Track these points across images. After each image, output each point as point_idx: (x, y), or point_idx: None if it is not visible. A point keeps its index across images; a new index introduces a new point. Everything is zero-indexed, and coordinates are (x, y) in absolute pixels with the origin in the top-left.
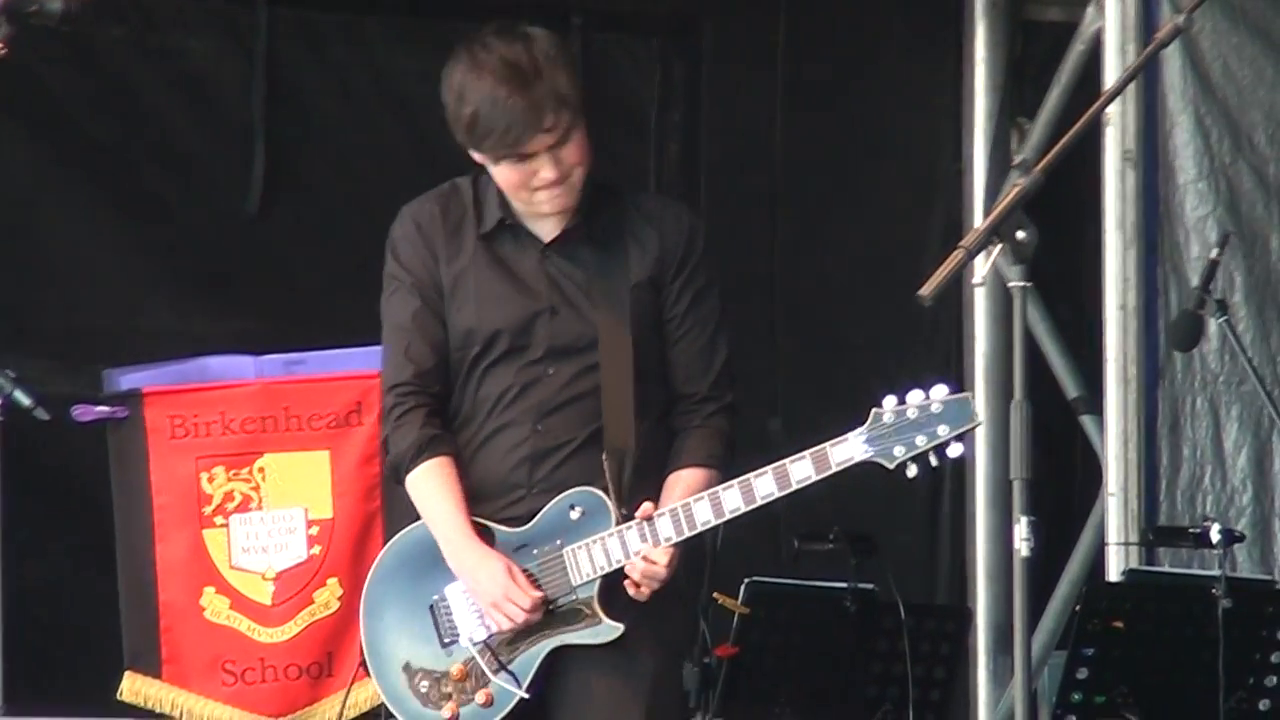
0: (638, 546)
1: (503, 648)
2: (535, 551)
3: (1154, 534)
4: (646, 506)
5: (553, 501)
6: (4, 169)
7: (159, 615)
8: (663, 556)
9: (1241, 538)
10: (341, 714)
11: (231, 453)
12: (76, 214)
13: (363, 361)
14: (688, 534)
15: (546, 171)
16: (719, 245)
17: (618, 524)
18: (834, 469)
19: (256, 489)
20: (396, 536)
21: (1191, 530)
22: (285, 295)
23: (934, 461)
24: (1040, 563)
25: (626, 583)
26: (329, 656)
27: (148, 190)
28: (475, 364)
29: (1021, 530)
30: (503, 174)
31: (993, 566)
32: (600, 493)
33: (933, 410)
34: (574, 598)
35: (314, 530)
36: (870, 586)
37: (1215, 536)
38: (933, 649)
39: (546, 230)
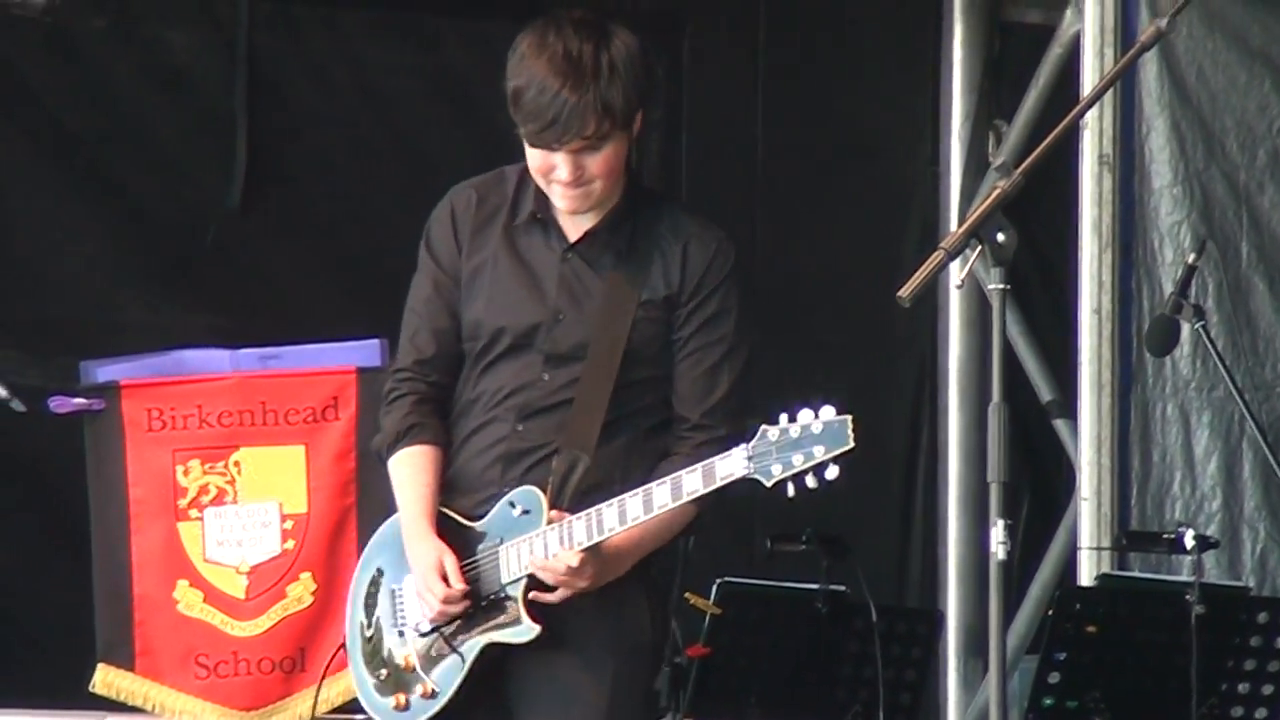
0: (555, 549)
1: (439, 641)
2: (480, 546)
3: (1127, 539)
4: (561, 513)
5: (504, 498)
6: None
7: (133, 608)
8: (574, 560)
9: (1216, 544)
10: (315, 707)
11: (207, 446)
12: (53, 206)
13: (339, 357)
14: (598, 539)
15: (562, 171)
16: None
17: (548, 525)
18: (718, 483)
19: (232, 482)
20: (386, 522)
21: (1165, 535)
22: (260, 289)
23: (811, 483)
24: (1012, 566)
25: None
26: (301, 651)
27: (124, 182)
28: (480, 358)
29: (998, 533)
30: (530, 155)
31: (964, 570)
32: (539, 492)
33: (812, 430)
34: (503, 595)
35: (288, 524)
36: (842, 588)
37: (1189, 542)
38: (903, 652)
39: (573, 229)
